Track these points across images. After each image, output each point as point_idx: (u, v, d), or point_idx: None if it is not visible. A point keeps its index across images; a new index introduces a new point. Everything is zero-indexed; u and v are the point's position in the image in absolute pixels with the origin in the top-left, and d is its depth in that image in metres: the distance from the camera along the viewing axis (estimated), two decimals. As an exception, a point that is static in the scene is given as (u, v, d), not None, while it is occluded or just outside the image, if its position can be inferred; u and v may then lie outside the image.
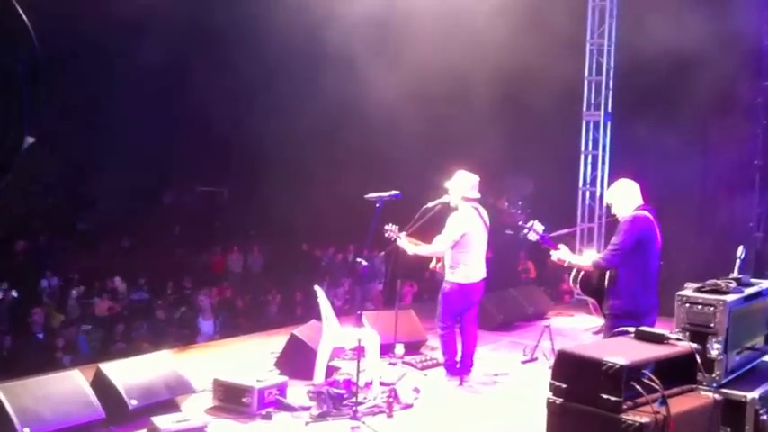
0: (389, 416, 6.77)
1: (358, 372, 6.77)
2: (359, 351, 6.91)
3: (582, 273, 6.37)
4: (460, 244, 7.74)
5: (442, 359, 8.18)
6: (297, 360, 7.82)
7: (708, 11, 10.96)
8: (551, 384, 4.31)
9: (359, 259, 7.54)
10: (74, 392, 6.14)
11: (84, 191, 18.77)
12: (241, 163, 20.01)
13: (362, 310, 7.79)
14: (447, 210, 7.92)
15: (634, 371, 4.07)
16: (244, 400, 6.77)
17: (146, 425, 6.20)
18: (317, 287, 7.89)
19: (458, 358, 8.01)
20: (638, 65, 12.52)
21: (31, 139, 2.54)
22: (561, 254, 6.39)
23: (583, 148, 13.71)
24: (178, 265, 16.86)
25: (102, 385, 6.39)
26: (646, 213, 6.11)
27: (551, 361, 5.40)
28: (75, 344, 12.17)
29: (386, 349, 8.14)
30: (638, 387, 4.02)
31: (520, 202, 10.55)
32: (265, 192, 18.08)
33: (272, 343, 8.96)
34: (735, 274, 5.44)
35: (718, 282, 5.11)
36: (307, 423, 6.55)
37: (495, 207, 10.39)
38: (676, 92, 12.11)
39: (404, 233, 7.94)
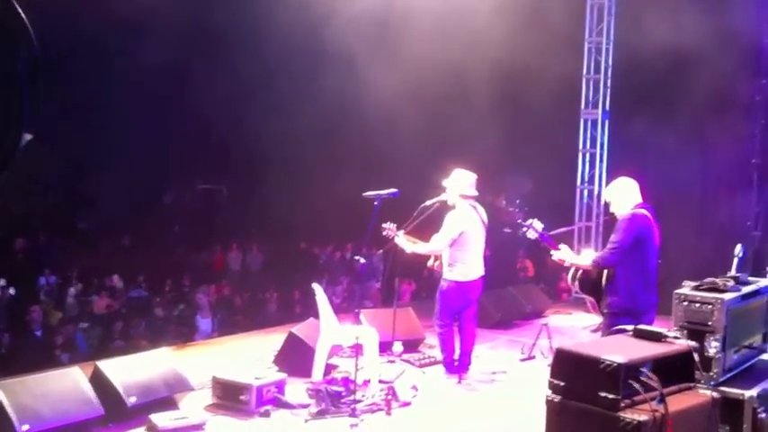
0: (388, 414, 6.78)
1: (356, 370, 6.77)
2: (357, 349, 6.92)
3: (580, 271, 6.38)
4: (458, 242, 7.74)
5: (440, 357, 8.19)
6: (295, 358, 7.83)
7: (706, 9, 10.96)
8: (550, 382, 4.32)
9: (357, 257, 7.55)
10: (72, 390, 6.14)
11: (84, 189, 18.75)
12: (240, 161, 20.00)
13: (361, 308, 7.80)
14: (445, 208, 7.93)
15: (632, 369, 4.08)
16: (242, 397, 6.77)
17: (144, 422, 6.22)
18: (315, 285, 7.89)
19: (456, 356, 8.01)
20: (637, 63, 12.53)
21: (29, 136, 2.54)
22: (561, 254, 6.41)
23: (581, 147, 13.72)
24: (177, 263, 16.86)
25: (100, 383, 6.39)
26: (644, 212, 6.12)
27: (549, 359, 5.41)
28: (74, 341, 12.16)
29: (384, 347, 8.14)
30: (636, 385, 4.03)
31: (518, 201, 10.54)
32: (265, 190, 18.08)
33: (271, 341, 8.96)
34: (733, 273, 5.45)
35: (716, 280, 5.12)
36: (305, 421, 6.55)
37: (493, 205, 10.40)
38: (674, 90, 12.11)
39: (402, 231, 7.94)
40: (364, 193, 7.40)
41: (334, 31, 12.12)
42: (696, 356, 4.52)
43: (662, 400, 4.02)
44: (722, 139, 12.19)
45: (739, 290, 5.10)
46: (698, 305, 4.91)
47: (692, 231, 12.13)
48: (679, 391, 4.34)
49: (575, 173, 13.80)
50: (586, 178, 13.72)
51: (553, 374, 4.33)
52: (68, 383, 6.18)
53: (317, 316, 7.81)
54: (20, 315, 12.16)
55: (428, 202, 7.92)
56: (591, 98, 13.59)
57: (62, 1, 12.11)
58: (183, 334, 12.97)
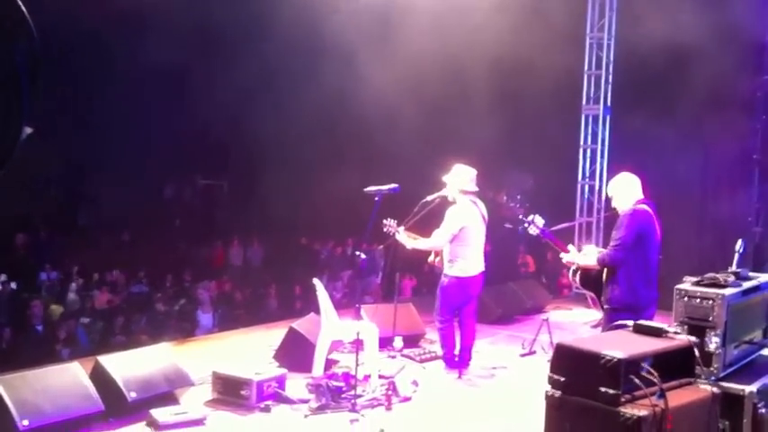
0: (388, 409, 6.79)
1: (357, 365, 6.78)
2: (357, 344, 6.93)
3: (581, 266, 6.39)
4: (459, 238, 7.74)
5: (440, 352, 8.20)
6: (296, 353, 7.83)
7: (708, 5, 10.92)
8: (550, 378, 4.32)
9: (358, 253, 7.55)
10: (73, 385, 6.15)
11: (85, 185, 18.75)
12: (241, 157, 19.99)
13: (361, 304, 7.80)
14: (445, 203, 7.93)
15: (632, 364, 4.08)
16: (243, 392, 6.78)
17: (145, 417, 6.24)
18: (315, 280, 7.89)
19: (456, 352, 8.02)
20: (638, 59, 12.49)
21: (29, 130, 2.54)
22: (570, 256, 6.45)
23: (582, 142, 13.70)
24: (178, 258, 16.87)
25: (101, 378, 6.40)
26: (645, 207, 6.14)
27: (550, 354, 5.41)
28: (75, 337, 12.16)
29: (385, 342, 8.15)
30: (636, 380, 4.03)
31: (519, 196, 10.54)
32: (265, 185, 18.05)
33: (272, 336, 8.97)
34: (733, 268, 5.44)
35: (717, 276, 5.11)
36: (306, 416, 6.56)
37: (494, 201, 10.39)
38: (676, 86, 12.07)
39: (402, 227, 7.94)
40: (365, 189, 7.40)
41: (334, 29, 12.11)
42: (696, 352, 4.53)
43: (662, 395, 4.02)
44: (723, 135, 12.15)
45: (740, 285, 5.10)
46: (698, 301, 4.90)
47: (692, 227, 12.10)
48: (679, 387, 4.35)
49: (575, 169, 13.78)
50: (587, 174, 13.70)
51: (553, 370, 4.34)
52: (69, 378, 6.19)
53: (317, 311, 7.82)
54: (21, 310, 12.17)
55: (428, 198, 7.92)
56: (592, 94, 13.56)
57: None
58: (184, 329, 12.97)
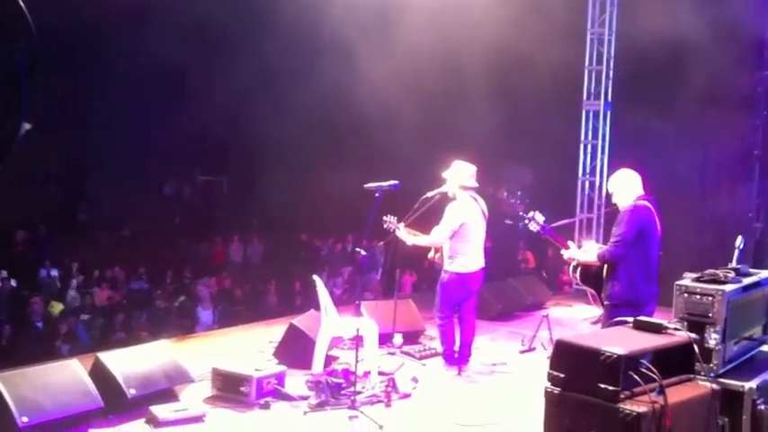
0: (388, 405, 6.78)
1: (356, 361, 6.78)
2: (357, 341, 6.92)
3: (581, 263, 6.39)
4: (459, 234, 7.73)
5: (440, 349, 8.19)
6: (295, 350, 7.83)
7: (708, 1, 10.92)
8: (550, 374, 4.32)
9: (358, 249, 7.54)
10: (72, 382, 6.14)
11: (85, 182, 18.77)
12: (241, 153, 20.01)
13: (361, 300, 7.79)
14: (446, 200, 7.91)
15: (632, 360, 4.08)
16: (242, 389, 6.78)
17: (144, 414, 6.23)
18: (315, 277, 7.89)
19: (456, 348, 8.01)
20: (639, 54, 12.47)
21: (27, 126, 2.53)
22: (571, 253, 6.45)
23: (582, 138, 13.69)
24: (178, 255, 16.88)
25: (100, 375, 6.39)
26: (646, 203, 6.13)
27: (550, 351, 5.41)
28: (75, 333, 12.18)
29: (384, 339, 8.15)
30: (635, 377, 4.03)
31: (519, 192, 10.56)
32: (265, 182, 18.07)
33: (271, 333, 8.97)
34: (733, 264, 5.44)
35: (717, 272, 5.11)
36: (305, 413, 6.56)
37: (494, 197, 10.40)
38: (676, 82, 12.06)
39: (402, 224, 7.93)
40: (365, 185, 7.39)
41: (333, 26, 12.09)
42: (696, 348, 4.52)
43: (662, 391, 4.02)
44: (724, 131, 12.15)
45: (740, 281, 5.09)
46: (698, 297, 4.90)
47: (692, 223, 12.09)
48: (679, 383, 4.34)
49: (576, 165, 13.77)
50: (588, 170, 13.69)
51: (553, 366, 4.33)
52: (69, 375, 6.18)
53: (317, 308, 7.81)
54: (21, 307, 12.18)
55: (429, 194, 7.90)
56: (593, 89, 13.55)
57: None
58: (184, 326, 12.99)
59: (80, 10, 13.72)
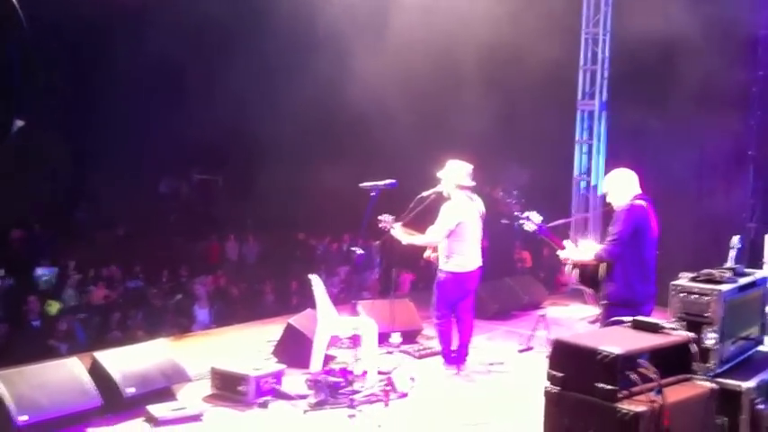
0: (386, 404, 6.79)
1: (354, 360, 6.79)
2: (355, 340, 6.94)
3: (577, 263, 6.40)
4: (455, 233, 7.72)
5: (438, 348, 8.20)
6: (293, 349, 7.84)
7: (703, 0, 10.95)
8: (548, 373, 4.33)
9: (354, 248, 7.55)
10: (70, 380, 6.16)
11: (81, 180, 18.71)
12: (237, 152, 19.96)
13: (358, 299, 7.79)
14: (442, 199, 7.91)
15: (629, 360, 4.10)
16: (240, 388, 6.79)
17: (142, 413, 6.24)
18: (312, 276, 7.88)
19: (454, 347, 8.02)
20: (634, 54, 12.50)
21: (20, 123, 2.54)
22: (567, 252, 6.45)
23: (578, 138, 13.71)
24: (174, 253, 16.84)
25: (98, 374, 6.40)
26: (642, 203, 6.14)
27: (547, 350, 5.42)
28: (72, 332, 12.15)
29: (382, 338, 8.14)
30: (633, 376, 4.04)
31: (515, 192, 10.54)
32: (261, 181, 18.04)
33: (268, 332, 8.98)
34: (729, 264, 5.46)
35: (713, 271, 5.12)
36: (304, 412, 6.57)
37: (490, 196, 10.38)
38: (671, 82, 12.10)
39: (398, 223, 7.92)
40: (361, 184, 7.40)
41: (329, 23, 12.09)
42: (694, 348, 4.54)
43: (659, 391, 4.03)
44: (718, 131, 12.18)
45: (736, 281, 5.11)
46: (695, 296, 4.92)
47: (688, 223, 12.12)
48: (677, 383, 4.36)
49: (571, 164, 13.79)
50: (583, 169, 13.71)
51: (551, 365, 4.35)
52: (66, 374, 6.20)
53: (314, 307, 7.81)
54: (17, 306, 12.16)
55: (425, 194, 7.89)
56: (588, 89, 13.58)
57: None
58: (181, 324, 12.97)
59: (79, 9, 13.70)
